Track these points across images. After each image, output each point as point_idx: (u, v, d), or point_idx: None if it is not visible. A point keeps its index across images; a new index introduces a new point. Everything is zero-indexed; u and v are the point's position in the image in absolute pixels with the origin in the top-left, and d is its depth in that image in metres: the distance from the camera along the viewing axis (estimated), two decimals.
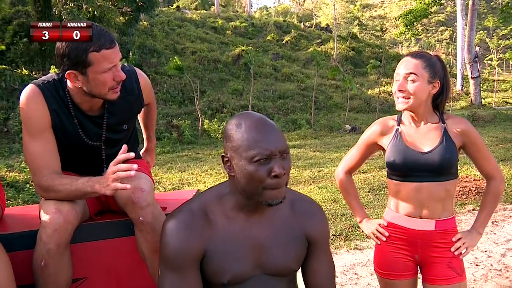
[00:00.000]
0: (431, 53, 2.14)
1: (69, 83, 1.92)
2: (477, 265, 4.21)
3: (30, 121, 1.89)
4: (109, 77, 1.84)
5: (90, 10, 17.16)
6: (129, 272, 2.12)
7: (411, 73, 2.01)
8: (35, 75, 14.96)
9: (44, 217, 1.84)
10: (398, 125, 2.16)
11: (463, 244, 2.11)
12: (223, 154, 1.48)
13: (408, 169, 2.06)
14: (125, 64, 2.21)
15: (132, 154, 1.78)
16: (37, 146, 1.90)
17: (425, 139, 2.08)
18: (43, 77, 1.98)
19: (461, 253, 2.12)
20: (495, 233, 5.09)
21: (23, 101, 1.89)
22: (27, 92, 1.89)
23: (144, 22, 24.90)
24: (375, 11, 77.08)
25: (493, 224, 5.39)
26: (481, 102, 22.51)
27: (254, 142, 1.37)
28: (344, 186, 2.37)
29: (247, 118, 1.44)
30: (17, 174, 7.76)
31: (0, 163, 8.89)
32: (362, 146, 2.28)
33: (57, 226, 1.81)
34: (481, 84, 24.28)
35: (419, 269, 2.22)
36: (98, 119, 2.04)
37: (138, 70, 2.18)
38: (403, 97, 2.04)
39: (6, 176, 7.56)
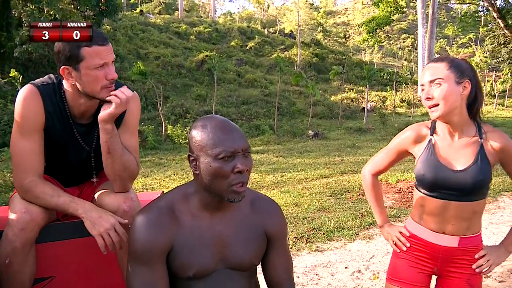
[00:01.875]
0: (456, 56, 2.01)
1: (65, 84, 1.96)
2: None
3: (24, 120, 1.91)
4: (101, 74, 1.87)
5: (51, 13, 16.87)
6: (98, 270, 2.16)
7: (435, 78, 1.86)
8: None
9: (12, 215, 1.87)
10: (432, 134, 2.02)
11: (487, 261, 2.01)
12: (189, 153, 1.57)
13: (437, 186, 1.95)
14: (134, 92, 2.12)
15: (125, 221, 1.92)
16: (26, 146, 1.93)
17: (459, 154, 1.94)
18: (41, 79, 2.02)
19: (482, 271, 2.02)
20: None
21: (20, 99, 1.91)
22: (25, 91, 1.92)
23: (107, 26, 24.66)
24: (339, 18, 78.34)
25: None
26: None
27: (219, 141, 1.48)
28: (370, 188, 2.28)
29: (212, 120, 1.55)
30: None
31: None
32: (393, 151, 2.17)
33: (24, 225, 1.85)
34: None
35: (434, 281, 2.15)
36: (90, 126, 2.08)
37: (135, 95, 2.13)
38: (432, 105, 1.88)
39: None
